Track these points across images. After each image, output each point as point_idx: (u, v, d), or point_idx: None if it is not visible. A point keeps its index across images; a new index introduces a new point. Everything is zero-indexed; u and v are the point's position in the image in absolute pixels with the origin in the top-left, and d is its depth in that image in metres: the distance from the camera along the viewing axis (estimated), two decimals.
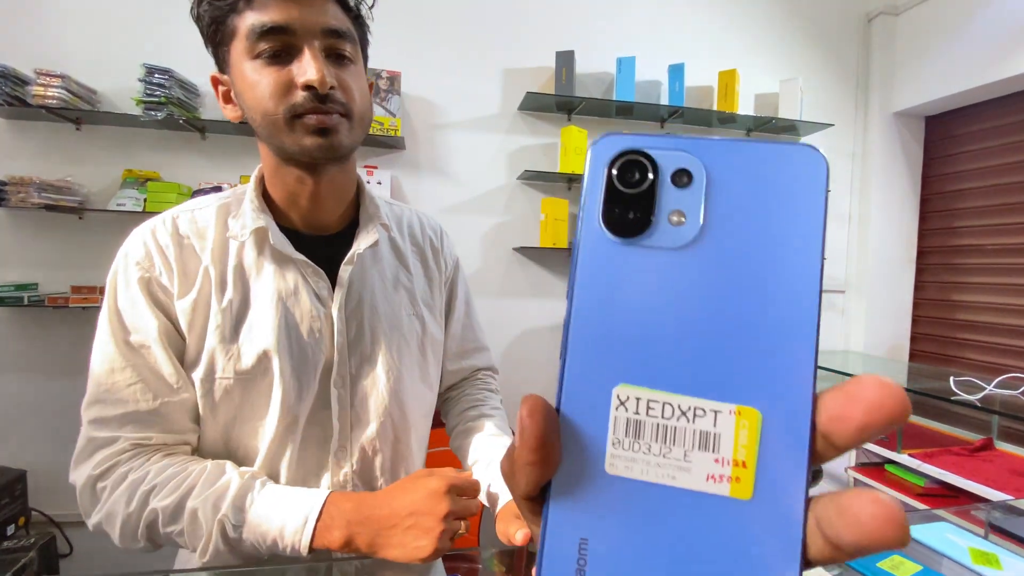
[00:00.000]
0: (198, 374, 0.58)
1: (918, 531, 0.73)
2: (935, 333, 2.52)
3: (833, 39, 2.54)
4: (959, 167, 2.42)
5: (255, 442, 0.60)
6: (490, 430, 0.72)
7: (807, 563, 0.14)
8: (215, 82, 0.61)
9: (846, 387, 0.14)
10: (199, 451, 0.62)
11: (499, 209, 2.25)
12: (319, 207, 0.63)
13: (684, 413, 0.15)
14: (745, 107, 2.38)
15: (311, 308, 0.61)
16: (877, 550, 0.13)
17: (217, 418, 0.60)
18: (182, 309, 0.58)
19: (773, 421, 0.15)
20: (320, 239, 0.65)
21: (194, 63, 1.82)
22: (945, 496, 1.55)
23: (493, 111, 2.22)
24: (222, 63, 0.58)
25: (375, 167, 2.05)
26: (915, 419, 2.12)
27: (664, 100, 2.28)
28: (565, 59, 2.10)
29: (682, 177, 0.16)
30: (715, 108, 2.27)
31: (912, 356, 2.60)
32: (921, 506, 1.54)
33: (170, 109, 1.77)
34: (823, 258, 0.15)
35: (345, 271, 0.63)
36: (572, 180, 2.25)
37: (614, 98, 2.17)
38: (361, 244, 0.64)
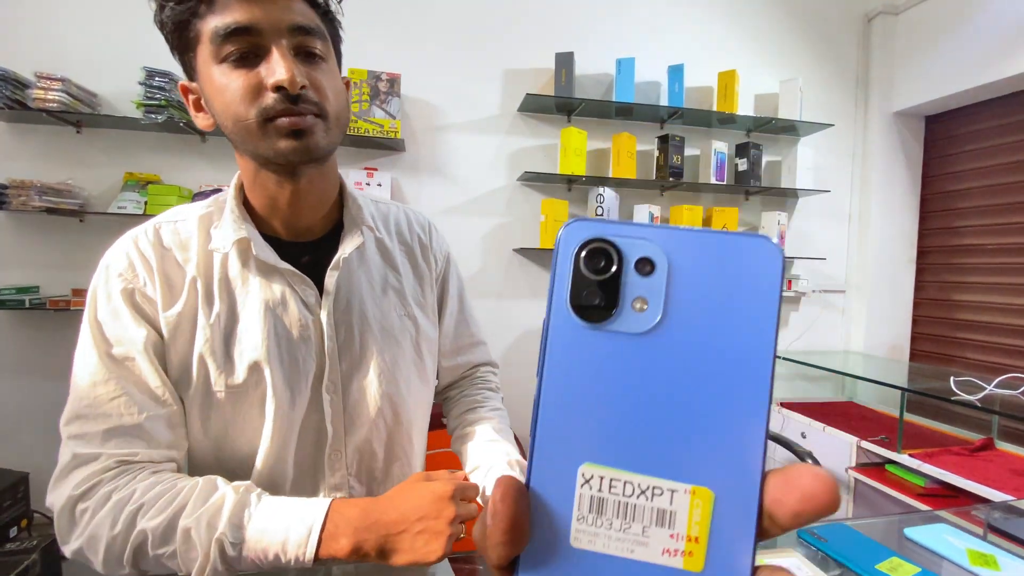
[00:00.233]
0: (188, 389, 0.58)
1: (916, 533, 0.73)
2: (935, 333, 2.52)
3: (833, 39, 2.54)
4: (959, 167, 2.42)
5: (249, 451, 0.60)
6: (489, 435, 0.72)
7: None
8: (184, 91, 0.59)
9: (787, 472, 0.16)
10: (189, 464, 0.61)
11: (499, 210, 2.25)
12: (300, 212, 0.62)
13: (644, 492, 0.17)
14: (745, 107, 2.38)
15: (299, 317, 0.61)
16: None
17: (208, 431, 0.59)
18: (166, 320, 0.57)
19: (724, 500, 0.16)
20: (305, 245, 0.64)
21: None
22: (946, 496, 1.55)
23: (493, 112, 2.22)
24: (190, 70, 0.57)
25: (375, 169, 2.06)
26: (915, 419, 2.12)
27: (664, 101, 2.28)
28: (565, 60, 2.10)
29: (645, 266, 0.17)
30: (715, 109, 2.27)
31: (912, 356, 2.60)
32: (922, 506, 1.54)
33: (170, 112, 1.77)
34: (775, 344, 0.16)
35: (331, 277, 0.63)
36: (572, 181, 2.25)
37: (614, 99, 2.17)
38: (346, 248, 0.64)
